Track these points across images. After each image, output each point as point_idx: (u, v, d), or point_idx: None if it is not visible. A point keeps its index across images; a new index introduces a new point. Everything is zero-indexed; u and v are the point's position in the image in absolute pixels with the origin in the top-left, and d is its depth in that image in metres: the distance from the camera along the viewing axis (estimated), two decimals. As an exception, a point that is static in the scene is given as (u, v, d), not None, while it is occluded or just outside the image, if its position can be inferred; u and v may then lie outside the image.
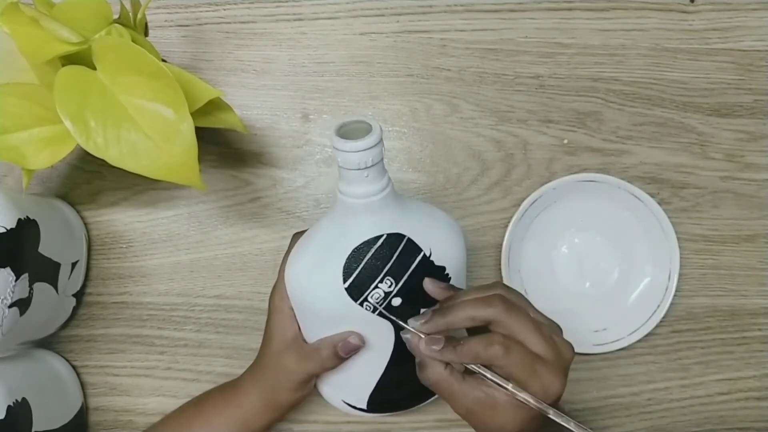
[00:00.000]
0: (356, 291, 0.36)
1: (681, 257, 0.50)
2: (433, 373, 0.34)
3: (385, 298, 0.37)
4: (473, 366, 0.34)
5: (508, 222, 0.50)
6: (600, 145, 0.53)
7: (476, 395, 0.34)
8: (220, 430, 0.43)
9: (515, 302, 0.35)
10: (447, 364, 0.34)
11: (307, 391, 0.42)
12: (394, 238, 0.36)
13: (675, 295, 0.50)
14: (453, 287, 0.37)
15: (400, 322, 0.36)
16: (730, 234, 0.53)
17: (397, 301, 0.37)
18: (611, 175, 0.50)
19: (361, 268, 0.36)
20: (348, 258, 0.36)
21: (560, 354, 0.34)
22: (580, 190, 0.51)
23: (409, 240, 0.36)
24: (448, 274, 0.38)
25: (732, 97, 0.53)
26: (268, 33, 0.52)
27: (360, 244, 0.36)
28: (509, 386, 0.33)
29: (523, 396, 0.33)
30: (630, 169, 0.52)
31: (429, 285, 0.37)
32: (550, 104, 0.52)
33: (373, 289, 0.36)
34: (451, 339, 0.34)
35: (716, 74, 0.53)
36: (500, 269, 0.50)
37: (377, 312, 0.37)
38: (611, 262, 0.52)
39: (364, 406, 0.43)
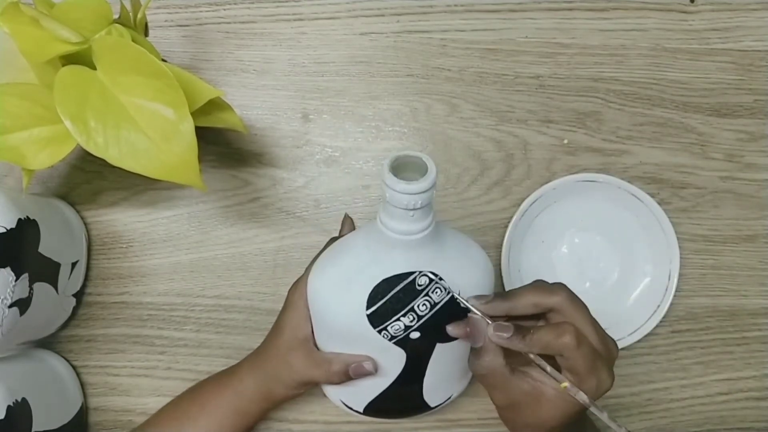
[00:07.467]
0: (377, 319, 0.36)
1: (681, 257, 0.50)
2: (492, 361, 0.34)
3: (404, 331, 0.36)
4: (533, 357, 0.34)
5: (508, 222, 0.50)
6: (600, 145, 0.52)
7: (524, 388, 0.34)
8: (216, 415, 0.43)
9: (576, 295, 0.35)
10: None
11: (303, 391, 0.42)
12: (426, 277, 0.35)
13: (675, 295, 0.50)
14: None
15: (468, 305, 0.35)
16: (730, 234, 0.53)
17: (415, 335, 0.37)
18: (611, 175, 0.50)
19: (387, 300, 0.35)
20: (376, 287, 0.35)
21: (610, 350, 0.34)
22: (580, 190, 0.50)
23: (441, 280, 0.36)
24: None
25: (732, 97, 0.53)
26: (268, 33, 0.52)
27: (391, 276, 0.35)
28: (566, 382, 0.33)
29: (580, 395, 0.32)
30: (630, 169, 0.52)
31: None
32: (550, 104, 0.52)
33: (395, 321, 0.36)
34: (519, 328, 0.34)
35: (716, 74, 0.53)
36: (500, 269, 0.50)
37: (394, 341, 0.37)
38: (611, 262, 0.52)
39: (361, 410, 0.43)
